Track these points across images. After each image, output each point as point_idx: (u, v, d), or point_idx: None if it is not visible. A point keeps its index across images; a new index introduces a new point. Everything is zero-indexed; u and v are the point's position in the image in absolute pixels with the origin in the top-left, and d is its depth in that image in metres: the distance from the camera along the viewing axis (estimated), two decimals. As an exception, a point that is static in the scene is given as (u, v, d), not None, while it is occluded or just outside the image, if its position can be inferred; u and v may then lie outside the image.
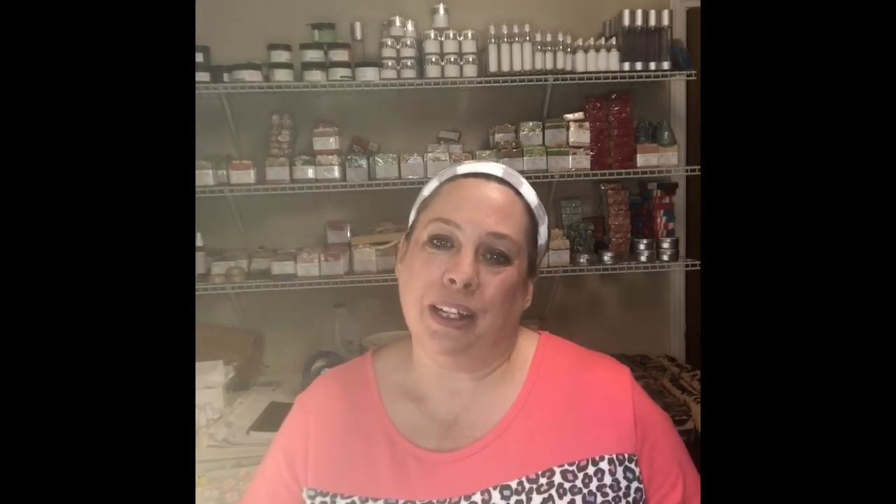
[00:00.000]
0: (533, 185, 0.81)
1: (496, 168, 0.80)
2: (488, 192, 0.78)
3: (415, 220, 0.81)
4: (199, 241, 2.22)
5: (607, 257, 2.35)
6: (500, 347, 0.80)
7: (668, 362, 2.43)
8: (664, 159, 2.33)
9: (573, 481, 0.74)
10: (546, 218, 0.83)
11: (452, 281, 0.72)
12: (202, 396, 1.87)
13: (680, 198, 2.53)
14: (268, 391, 2.16)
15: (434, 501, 0.74)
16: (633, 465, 0.76)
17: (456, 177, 0.80)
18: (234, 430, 1.79)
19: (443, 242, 0.75)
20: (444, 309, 0.73)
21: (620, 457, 0.76)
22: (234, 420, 1.85)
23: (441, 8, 2.26)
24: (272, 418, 1.85)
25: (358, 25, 2.27)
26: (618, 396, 0.79)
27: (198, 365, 1.79)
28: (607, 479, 0.75)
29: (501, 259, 0.75)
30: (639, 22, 2.25)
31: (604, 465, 0.75)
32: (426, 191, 0.82)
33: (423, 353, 0.79)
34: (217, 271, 2.23)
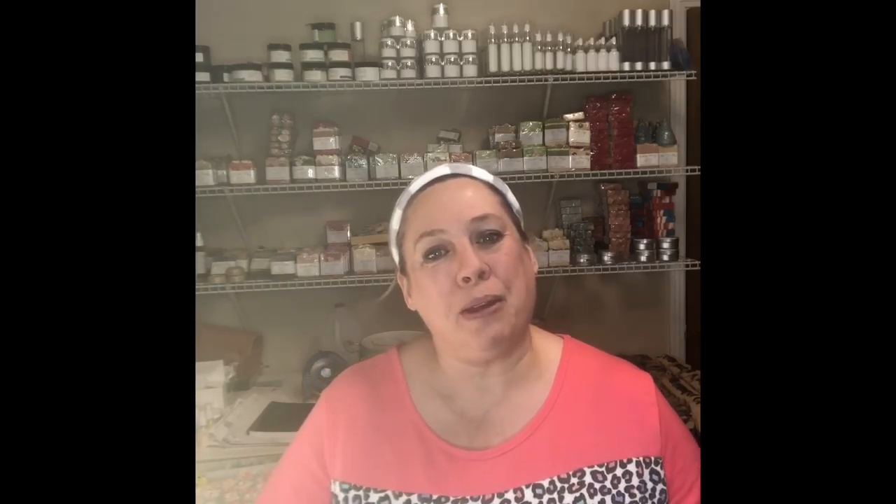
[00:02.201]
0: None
1: (443, 169, 0.83)
2: (449, 190, 0.80)
3: (401, 255, 0.83)
4: (199, 241, 2.22)
5: (607, 257, 2.35)
6: (526, 324, 0.81)
7: (668, 362, 2.43)
8: (664, 159, 2.33)
9: (603, 482, 0.76)
10: (507, 186, 0.85)
11: (466, 279, 0.73)
12: (202, 396, 1.87)
13: (680, 198, 2.53)
14: (268, 391, 2.16)
15: (468, 498, 0.75)
16: (658, 468, 0.78)
17: (413, 196, 0.82)
18: (234, 430, 1.79)
19: (437, 252, 0.77)
20: (475, 306, 0.74)
21: (647, 459, 0.78)
22: (234, 420, 1.85)
23: (441, 8, 2.26)
24: (272, 418, 1.86)
25: (358, 25, 2.27)
26: (643, 400, 0.81)
27: (198, 365, 1.79)
28: (635, 481, 0.77)
29: (494, 236, 0.77)
30: (639, 22, 2.25)
31: (631, 467, 0.77)
32: (395, 224, 0.83)
33: (465, 354, 0.79)
34: (217, 271, 2.22)
